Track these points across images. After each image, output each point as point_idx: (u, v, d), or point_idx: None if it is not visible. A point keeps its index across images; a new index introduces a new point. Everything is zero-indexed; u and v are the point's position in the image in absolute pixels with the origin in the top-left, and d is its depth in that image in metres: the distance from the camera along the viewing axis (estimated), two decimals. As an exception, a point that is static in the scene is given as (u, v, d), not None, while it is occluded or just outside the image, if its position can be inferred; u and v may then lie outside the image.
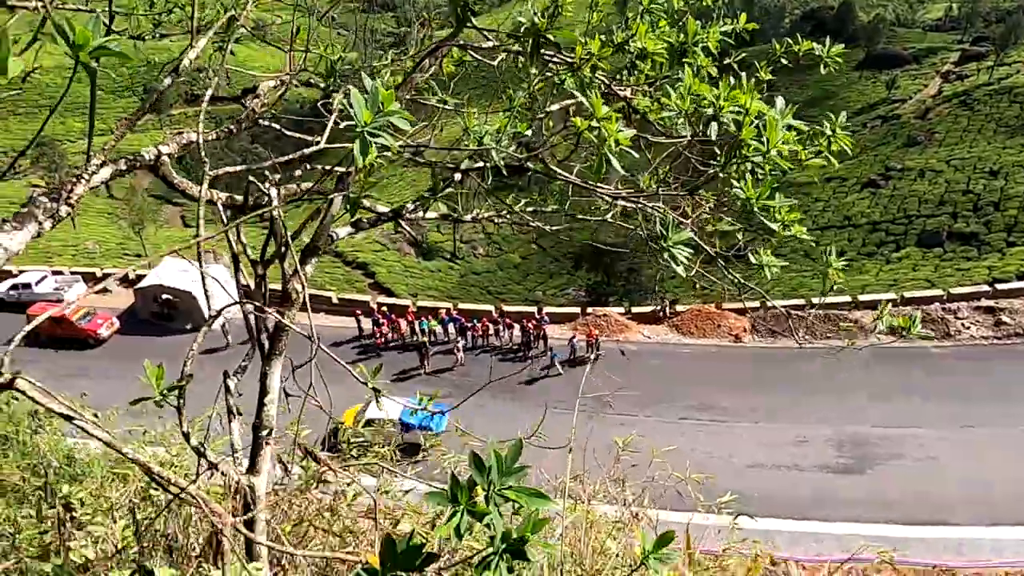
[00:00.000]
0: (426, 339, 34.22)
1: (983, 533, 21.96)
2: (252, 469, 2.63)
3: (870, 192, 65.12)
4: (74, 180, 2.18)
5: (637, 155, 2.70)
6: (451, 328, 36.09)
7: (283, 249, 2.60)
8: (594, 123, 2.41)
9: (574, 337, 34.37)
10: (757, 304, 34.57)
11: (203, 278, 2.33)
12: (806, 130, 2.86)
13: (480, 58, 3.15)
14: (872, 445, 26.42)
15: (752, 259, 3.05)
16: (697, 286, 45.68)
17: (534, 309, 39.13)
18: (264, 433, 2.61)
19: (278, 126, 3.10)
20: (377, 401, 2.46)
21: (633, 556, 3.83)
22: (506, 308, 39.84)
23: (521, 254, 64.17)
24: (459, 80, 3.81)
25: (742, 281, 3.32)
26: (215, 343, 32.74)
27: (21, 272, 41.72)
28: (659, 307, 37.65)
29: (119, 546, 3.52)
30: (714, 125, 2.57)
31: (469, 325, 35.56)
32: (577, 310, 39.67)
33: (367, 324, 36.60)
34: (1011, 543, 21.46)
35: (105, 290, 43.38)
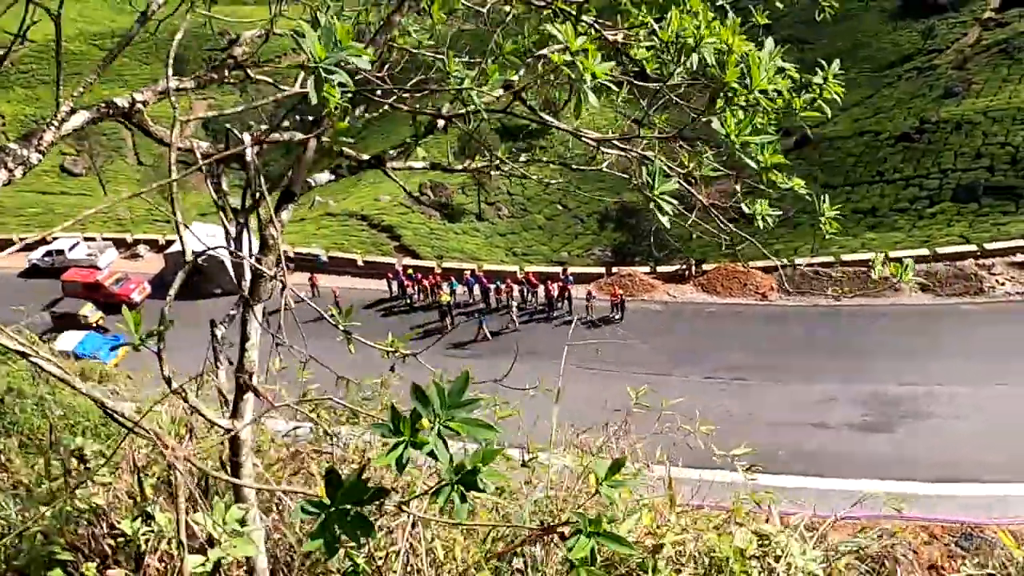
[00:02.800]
0: (449, 299, 34.38)
1: (1014, 490, 21.75)
2: (235, 414, 2.66)
3: (904, 146, 63.32)
4: (44, 128, 2.19)
5: (617, 89, 2.62)
6: (476, 289, 36.25)
7: (257, 196, 2.59)
8: (567, 57, 2.34)
9: (590, 295, 34.29)
10: (784, 261, 34.12)
11: (178, 228, 2.32)
12: (796, 76, 2.75)
13: (468, 4, 3.08)
14: (900, 403, 26.15)
15: (745, 209, 2.98)
16: (723, 246, 45.05)
17: (559, 270, 39.09)
18: (244, 380, 2.64)
19: (269, 79, 3.07)
20: (349, 343, 2.47)
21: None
22: (532, 269, 39.81)
23: (546, 215, 63.79)
24: (455, 34, 3.73)
25: (734, 230, 3.25)
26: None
27: (55, 239, 42.59)
28: (684, 266, 37.32)
29: (127, 492, 3.64)
30: (694, 56, 2.48)
31: (492, 287, 35.64)
32: (602, 270, 39.52)
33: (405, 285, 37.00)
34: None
35: (136, 255, 44.14)
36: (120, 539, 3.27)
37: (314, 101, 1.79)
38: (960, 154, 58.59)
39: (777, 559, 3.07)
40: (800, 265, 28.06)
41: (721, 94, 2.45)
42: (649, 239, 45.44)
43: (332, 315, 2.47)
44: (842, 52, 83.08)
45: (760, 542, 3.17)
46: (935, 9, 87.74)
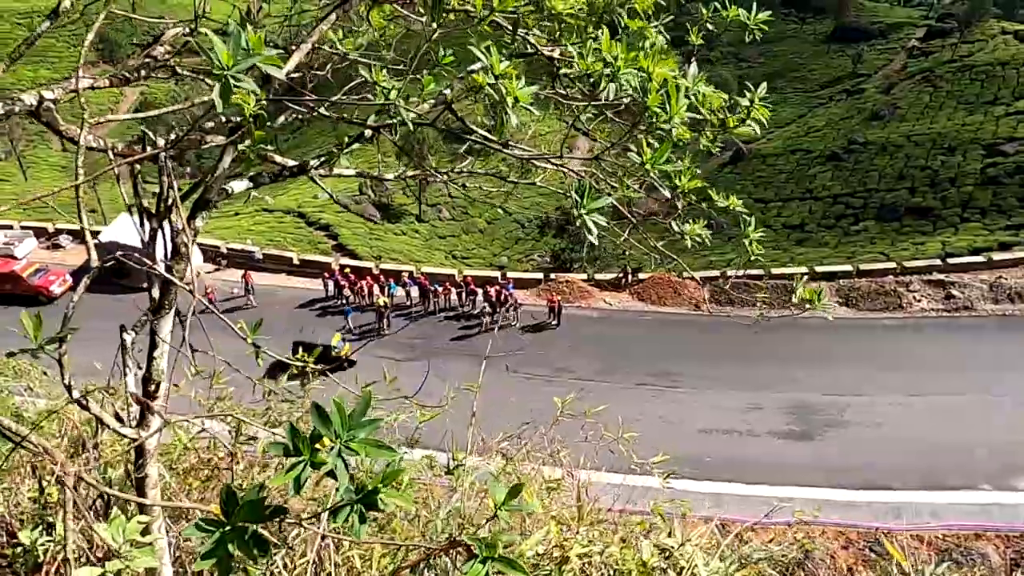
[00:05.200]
0: (387, 301, 34.03)
1: (924, 497, 22.80)
2: (141, 423, 2.59)
3: (833, 165, 65.88)
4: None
5: (538, 113, 2.67)
6: (413, 291, 36.00)
7: (169, 202, 2.53)
8: (490, 79, 2.38)
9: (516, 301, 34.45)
10: (716, 273, 35.00)
11: (84, 235, 2.24)
12: (725, 97, 2.86)
13: (403, 12, 3.08)
14: (821, 412, 27.15)
15: (675, 227, 3.07)
16: (657, 257, 45.97)
17: (498, 274, 39.21)
18: (152, 387, 2.58)
19: (194, 74, 3.00)
20: (257, 357, 2.44)
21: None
22: (471, 273, 39.77)
23: (487, 219, 63.90)
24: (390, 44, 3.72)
25: (660, 249, 3.35)
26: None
27: (-31, 226, 40.45)
28: (621, 275, 37.92)
29: (31, 499, 3.50)
30: (612, 86, 2.55)
31: (431, 289, 35.45)
32: (540, 276, 39.79)
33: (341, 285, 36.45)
34: (950, 507, 22.34)
35: (57, 246, 42.29)
36: (19, 549, 3.13)
37: (219, 109, 1.77)
38: (884, 175, 61.35)
39: (680, 572, 3.16)
40: (730, 277, 28.89)
41: (643, 119, 2.52)
42: (587, 247, 46.02)
43: (241, 328, 2.42)
44: (777, 72, 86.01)
45: (665, 554, 3.26)
46: (865, 36, 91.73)
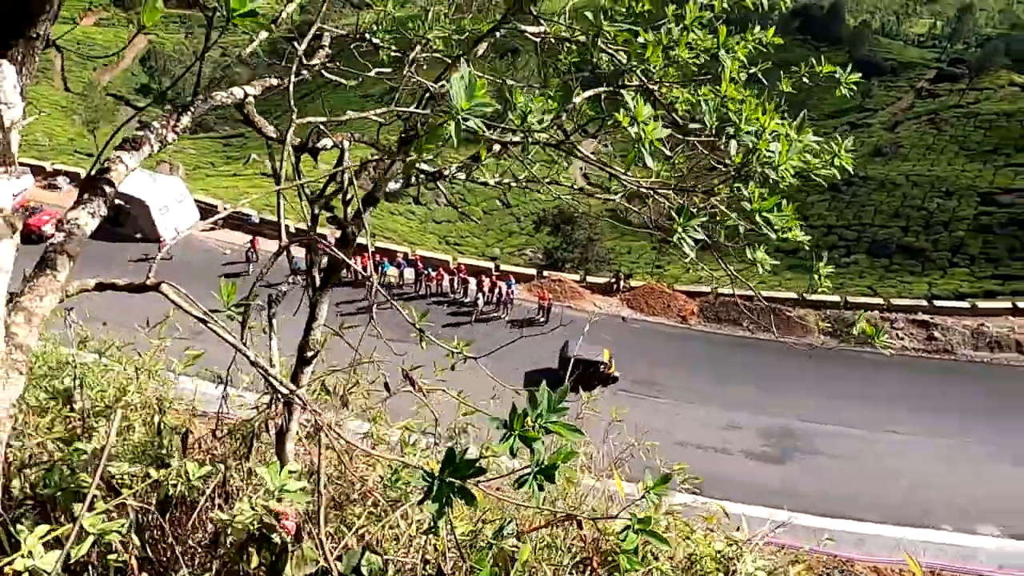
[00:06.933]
0: (379, 280, 34.08)
1: (887, 531, 23.30)
2: (295, 381, 2.80)
3: (831, 195, 66.47)
4: (179, 111, 2.31)
5: (669, 153, 2.86)
6: (408, 272, 36.08)
7: (350, 196, 2.76)
8: (632, 121, 2.56)
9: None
10: (707, 289, 35.35)
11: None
12: (816, 148, 3.08)
13: (530, 36, 3.27)
14: (796, 438, 27.62)
15: (748, 254, 3.28)
16: (653, 264, 46.41)
17: (491, 265, 39.35)
18: (308, 354, 2.82)
19: (335, 77, 3.21)
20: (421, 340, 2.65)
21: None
22: (464, 261, 39.89)
23: (484, 208, 63.94)
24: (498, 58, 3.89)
25: (734, 275, 3.55)
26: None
27: (-36, 156, 39.89)
28: (614, 279, 38.20)
29: (139, 441, 3.66)
30: (733, 143, 2.75)
31: (424, 272, 35.56)
32: (534, 272, 39.96)
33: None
34: (912, 543, 22.85)
35: (54, 186, 41.92)
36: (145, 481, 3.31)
37: (455, 145, 1.97)
38: (880, 211, 62.08)
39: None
40: (723, 295, 29.23)
41: (748, 164, 2.72)
42: (582, 247, 46.24)
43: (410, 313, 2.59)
44: (791, 96, 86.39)
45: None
46: (877, 71, 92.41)
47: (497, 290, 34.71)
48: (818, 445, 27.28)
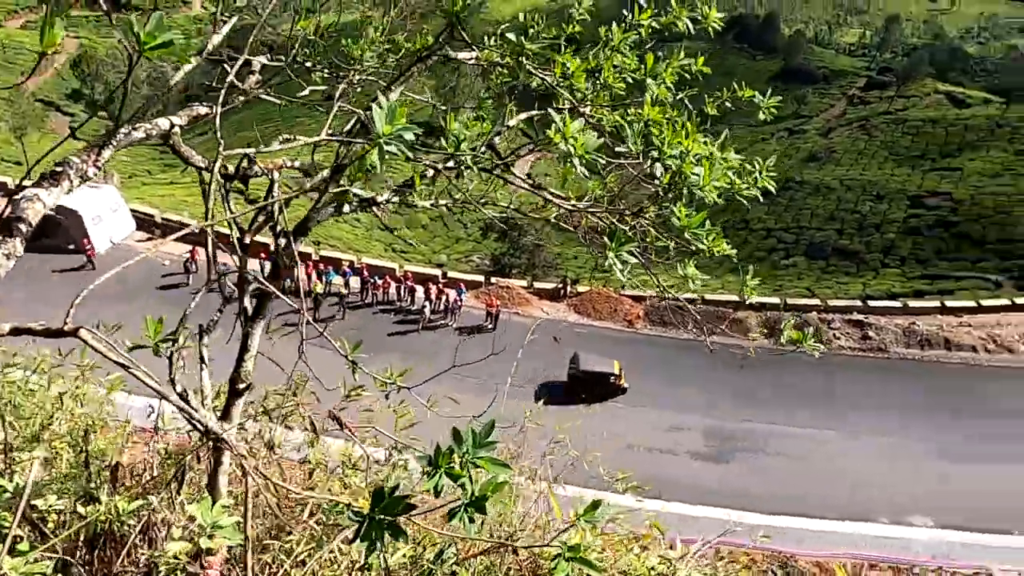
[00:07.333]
0: (325, 289, 33.62)
1: (824, 526, 24.04)
2: (224, 417, 2.72)
3: (769, 200, 68.23)
4: (100, 145, 2.23)
5: (602, 168, 2.91)
6: (353, 281, 35.59)
7: (277, 227, 2.71)
8: (562, 138, 2.60)
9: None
10: (653, 292, 35.87)
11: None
12: (739, 168, 3.18)
13: (463, 61, 3.27)
14: (738, 438, 28.27)
15: (679, 269, 3.36)
16: (598, 270, 46.85)
17: (438, 272, 39.18)
18: (241, 386, 2.73)
19: (278, 98, 3.15)
20: (354, 370, 2.61)
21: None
22: (411, 268, 39.62)
23: (430, 215, 63.70)
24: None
25: (666, 289, 3.64)
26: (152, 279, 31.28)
27: None
28: (560, 285, 38.46)
29: (66, 472, 3.52)
30: (659, 166, 2.82)
31: (370, 281, 35.17)
32: (481, 278, 39.94)
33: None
34: (853, 537, 23.66)
35: (-23, 197, 40.09)
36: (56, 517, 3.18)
37: (379, 171, 1.96)
38: (816, 214, 64.13)
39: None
40: (667, 299, 29.70)
41: (675, 184, 2.79)
42: (529, 253, 46.45)
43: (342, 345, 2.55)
44: (726, 108, 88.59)
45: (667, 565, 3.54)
46: (811, 79, 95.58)
47: (444, 297, 34.60)
48: (760, 445, 27.98)
